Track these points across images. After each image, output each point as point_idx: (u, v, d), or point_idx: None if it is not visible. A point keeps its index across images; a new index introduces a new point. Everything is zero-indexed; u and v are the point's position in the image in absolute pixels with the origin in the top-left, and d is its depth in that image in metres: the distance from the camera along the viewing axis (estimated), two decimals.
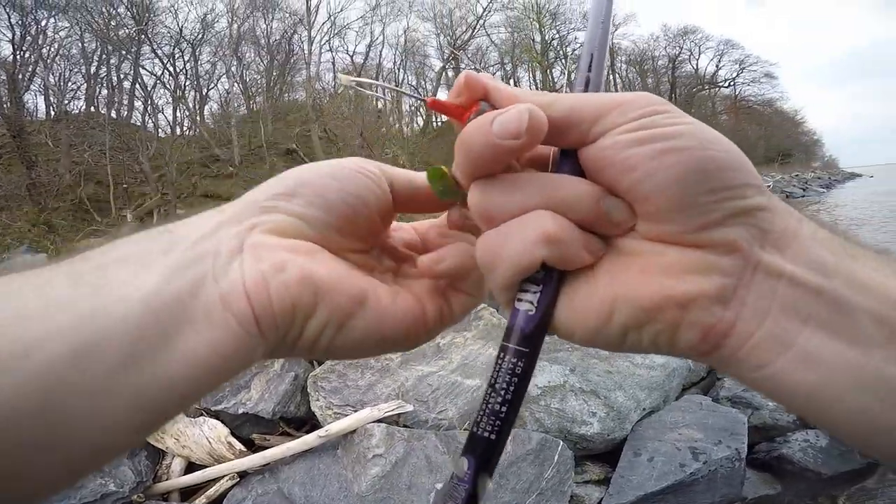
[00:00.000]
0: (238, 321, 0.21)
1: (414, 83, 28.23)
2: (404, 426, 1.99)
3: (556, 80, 32.96)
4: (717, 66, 35.89)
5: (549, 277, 0.22)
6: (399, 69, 27.39)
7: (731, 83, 36.48)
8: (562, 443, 2.01)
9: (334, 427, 1.90)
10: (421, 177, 0.29)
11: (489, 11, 28.16)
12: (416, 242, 0.31)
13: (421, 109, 29.52)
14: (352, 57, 24.55)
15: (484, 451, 0.22)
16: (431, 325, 0.27)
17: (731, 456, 2.06)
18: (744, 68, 35.85)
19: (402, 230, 0.32)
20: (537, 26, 31.42)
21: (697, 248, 0.20)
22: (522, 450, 1.88)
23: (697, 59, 35.86)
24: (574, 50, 33.49)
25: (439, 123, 29.87)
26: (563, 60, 32.36)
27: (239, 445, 2.00)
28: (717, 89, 36.78)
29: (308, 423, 2.19)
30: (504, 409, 0.22)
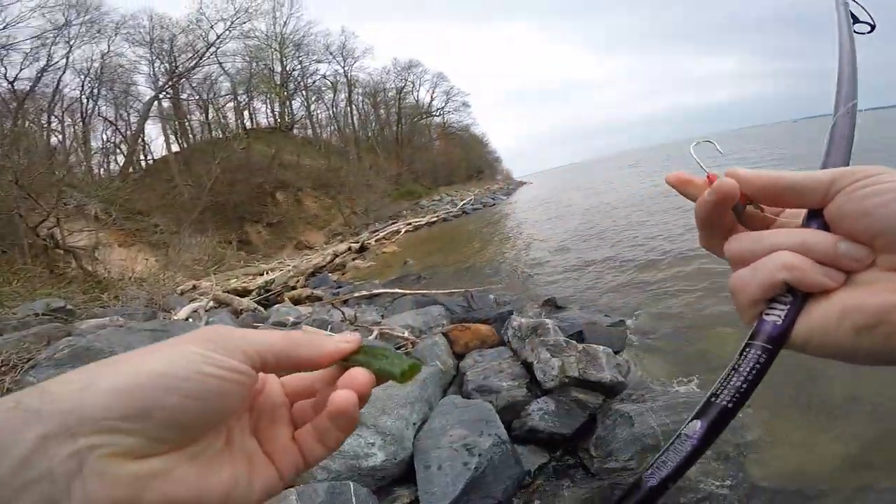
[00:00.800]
0: None
1: (112, 115, 24.66)
2: None
3: (295, 111, 32.37)
4: (431, 96, 42.25)
5: (795, 300, 0.28)
6: (88, 98, 23.29)
7: (441, 112, 43.45)
8: (352, 483, 1.97)
9: None
10: (301, 347, 0.31)
11: (223, 40, 26.28)
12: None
13: (122, 146, 24.83)
14: (11, 83, 19.25)
15: (717, 416, 0.28)
16: (286, 484, 0.31)
17: (496, 442, 2.27)
18: (449, 98, 43.26)
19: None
20: (279, 56, 30.37)
21: None
22: None
23: (418, 91, 41.56)
24: (315, 81, 33.65)
25: (147, 163, 25.38)
26: (304, 92, 32.01)
27: None
28: (431, 118, 43.09)
29: None
30: (745, 386, 0.28)
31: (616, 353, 3.76)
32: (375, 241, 16.07)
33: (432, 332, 4.52)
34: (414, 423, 2.46)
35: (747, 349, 0.29)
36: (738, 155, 22.67)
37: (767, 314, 0.29)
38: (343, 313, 5.26)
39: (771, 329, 0.28)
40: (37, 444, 0.21)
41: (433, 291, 6.42)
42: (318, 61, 33.07)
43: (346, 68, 35.11)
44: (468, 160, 43.87)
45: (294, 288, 9.52)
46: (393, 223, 20.67)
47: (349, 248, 14.52)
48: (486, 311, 4.94)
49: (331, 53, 33.76)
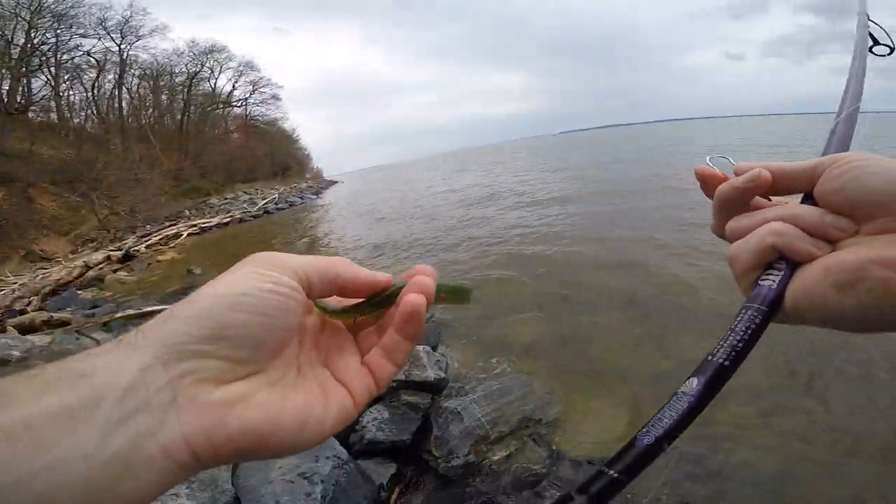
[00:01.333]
0: (180, 467, 0.23)
1: None
2: None
3: (35, 91, 24.69)
4: (234, 85, 37.14)
5: (787, 267, 0.30)
6: None
7: (244, 103, 38.65)
8: None
9: None
10: (341, 270, 0.33)
11: None
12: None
13: None
14: None
15: (714, 373, 0.29)
16: (359, 408, 0.32)
17: (337, 463, 2.16)
18: (256, 89, 38.77)
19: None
20: (26, 26, 22.21)
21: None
22: None
23: (217, 78, 35.92)
24: (73, 58, 25.87)
25: None
26: (54, 69, 24.40)
27: None
28: (230, 108, 37.95)
29: None
30: (740, 345, 0.29)
31: (433, 349, 3.83)
32: (146, 247, 13.29)
33: None
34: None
35: (744, 311, 0.30)
36: (511, 164, 26.56)
37: (763, 279, 0.31)
38: (97, 341, 4.10)
39: (766, 292, 0.30)
40: (136, 376, 0.23)
41: None
42: (84, 36, 26.14)
43: (123, 46, 28.69)
44: (273, 156, 40.52)
45: (23, 312, 7.17)
46: (171, 225, 17.53)
47: (108, 258, 11.63)
48: None
49: (104, 28, 27.26)
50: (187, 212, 21.65)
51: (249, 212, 20.98)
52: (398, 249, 8.55)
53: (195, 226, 17.01)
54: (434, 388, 3.08)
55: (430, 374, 3.08)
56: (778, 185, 0.33)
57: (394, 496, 2.34)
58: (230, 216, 19.61)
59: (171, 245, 13.86)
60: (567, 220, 8.86)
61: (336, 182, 50.44)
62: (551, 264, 6.18)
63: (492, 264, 6.64)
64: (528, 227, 8.77)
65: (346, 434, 2.70)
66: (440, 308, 5.13)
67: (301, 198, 27.81)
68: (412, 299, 0.32)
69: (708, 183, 0.37)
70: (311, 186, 38.75)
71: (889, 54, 0.54)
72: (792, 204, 0.32)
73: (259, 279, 0.28)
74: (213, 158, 31.94)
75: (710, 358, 0.30)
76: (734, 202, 0.35)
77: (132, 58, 29.55)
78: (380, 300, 0.34)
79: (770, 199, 0.35)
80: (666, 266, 5.60)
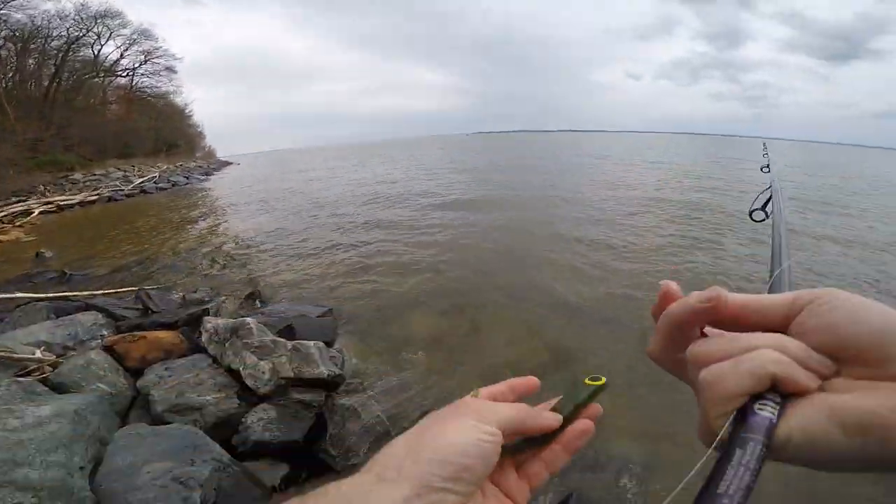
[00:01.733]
0: None
1: None
2: None
3: None
4: (122, 54, 32.05)
5: (783, 399, 0.28)
6: None
7: (131, 73, 33.56)
8: None
9: None
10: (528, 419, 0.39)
11: None
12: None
13: None
14: None
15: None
16: None
17: (218, 466, 2.01)
18: (148, 59, 33.91)
19: None
20: None
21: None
22: None
23: (102, 45, 30.68)
24: None
25: None
26: None
27: None
28: (113, 78, 32.72)
29: None
30: (754, 482, 0.25)
31: (329, 344, 3.67)
32: None
33: (85, 347, 3.36)
34: (81, 468, 1.95)
35: (747, 444, 0.27)
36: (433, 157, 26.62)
37: (760, 409, 0.28)
38: None
39: (768, 424, 0.27)
40: None
41: (86, 293, 4.85)
42: None
43: None
44: (158, 131, 35.95)
45: None
46: (20, 201, 14.81)
47: None
48: (170, 314, 4.01)
49: None
50: (42, 187, 18.41)
51: (122, 190, 18.45)
52: (283, 243, 7.99)
53: (51, 203, 14.55)
54: (328, 385, 2.91)
55: (324, 370, 2.91)
56: (744, 317, 0.32)
57: (289, 496, 2.20)
58: (97, 194, 17.09)
59: (18, 224, 11.70)
60: (466, 221, 9.13)
61: (230, 164, 47.32)
62: (451, 263, 6.26)
63: (386, 262, 6.59)
64: (431, 225, 8.87)
65: (229, 435, 2.49)
66: (338, 301, 4.99)
67: (187, 178, 25.30)
68: (589, 426, 0.40)
69: (665, 300, 0.35)
70: (200, 166, 35.84)
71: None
72: (777, 335, 0.30)
73: (478, 431, 0.34)
74: (84, 131, 27.50)
75: (725, 502, 0.26)
76: (684, 324, 0.33)
77: (1, 16, 24.29)
78: (550, 436, 0.40)
79: (705, 332, 0.34)
80: (549, 269, 6.03)
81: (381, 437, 2.55)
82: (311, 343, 3.16)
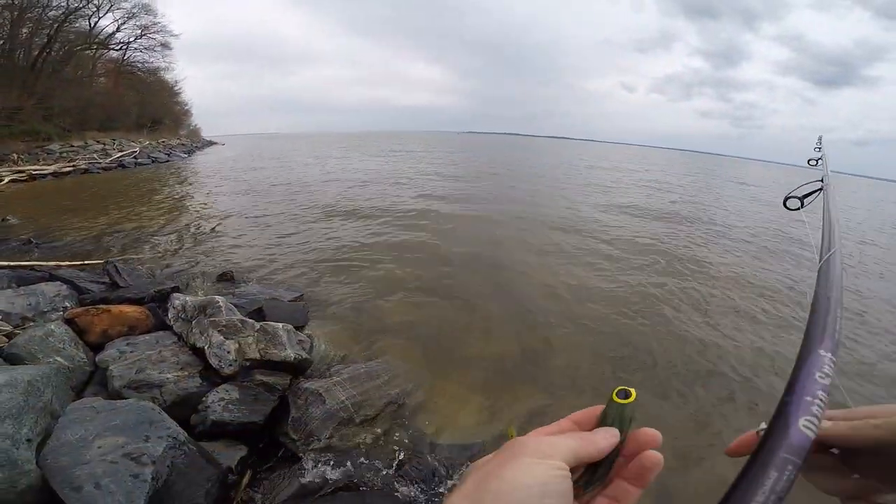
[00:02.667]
0: None
1: None
2: None
3: None
4: (118, 27, 31.06)
5: None
6: None
7: (125, 47, 32.55)
8: None
9: None
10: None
11: None
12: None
13: None
14: None
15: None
16: None
17: (173, 444, 1.95)
18: (145, 34, 32.91)
19: None
20: None
21: None
22: None
23: (100, 17, 29.73)
24: None
25: None
26: None
27: None
28: (105, 51, 31.68)
29: None
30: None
31: (299, 328, 3.64)
32: None
33: (47, 318, 3.27)
34: (28, 440, 1.89)
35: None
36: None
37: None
38: None
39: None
40: None
41: (52, 263, 4.71)
42: None
43: None
44: (143, 107, 34.94)
45: None
46: None
47: None
48: (138, 290, 3.92)
49: None
50: (15, 155, 17.76)
51: (99, 163, 17.91)
52: (259, 226, 7.89)
53: (22, 172, 14.06)
54: (294, 369, 2.89)
55: (290, 353, 2.88)
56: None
57: (245, 479, 2.15)
58: (72, 165, 16.56)
59: None
60: (446, 217, 9.13)
61: (215, 143, 46.26)
62: (424, 257, 6.25)
63: (362, 252, 6.55)
64: (410, 218, 8.85)
65: (188, 414, 2.45)
66: (311, 286, 4.95)
67: (168, 155, 24.77)
68: (656, 458, 0.38)
69: (743, 447, 0.38)
70: (183, 144, 35.02)
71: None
72: None
73: (548, 468, 0.34)
74: (67, 102, 26.55)
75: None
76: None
77: None
78: (609, 465, 0.39)
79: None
80: (519, 269, 6.08)
81: (343, 423, 2.54)
82: (280, 325, 3.12)
